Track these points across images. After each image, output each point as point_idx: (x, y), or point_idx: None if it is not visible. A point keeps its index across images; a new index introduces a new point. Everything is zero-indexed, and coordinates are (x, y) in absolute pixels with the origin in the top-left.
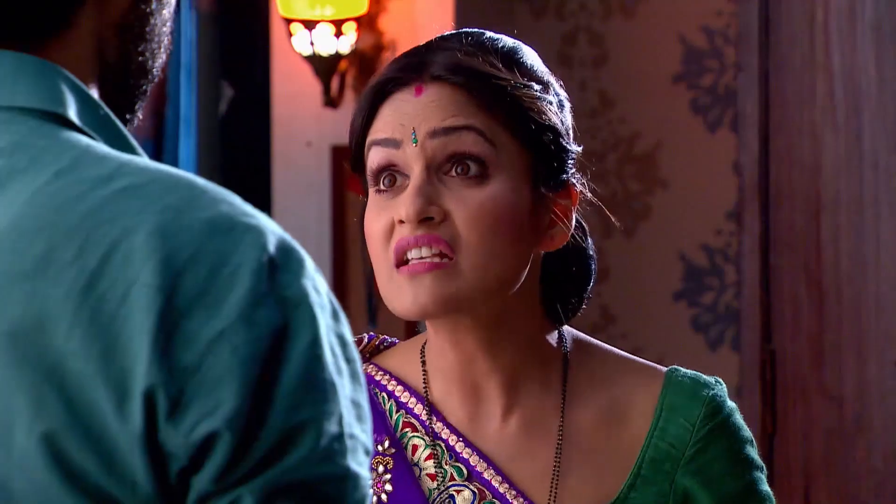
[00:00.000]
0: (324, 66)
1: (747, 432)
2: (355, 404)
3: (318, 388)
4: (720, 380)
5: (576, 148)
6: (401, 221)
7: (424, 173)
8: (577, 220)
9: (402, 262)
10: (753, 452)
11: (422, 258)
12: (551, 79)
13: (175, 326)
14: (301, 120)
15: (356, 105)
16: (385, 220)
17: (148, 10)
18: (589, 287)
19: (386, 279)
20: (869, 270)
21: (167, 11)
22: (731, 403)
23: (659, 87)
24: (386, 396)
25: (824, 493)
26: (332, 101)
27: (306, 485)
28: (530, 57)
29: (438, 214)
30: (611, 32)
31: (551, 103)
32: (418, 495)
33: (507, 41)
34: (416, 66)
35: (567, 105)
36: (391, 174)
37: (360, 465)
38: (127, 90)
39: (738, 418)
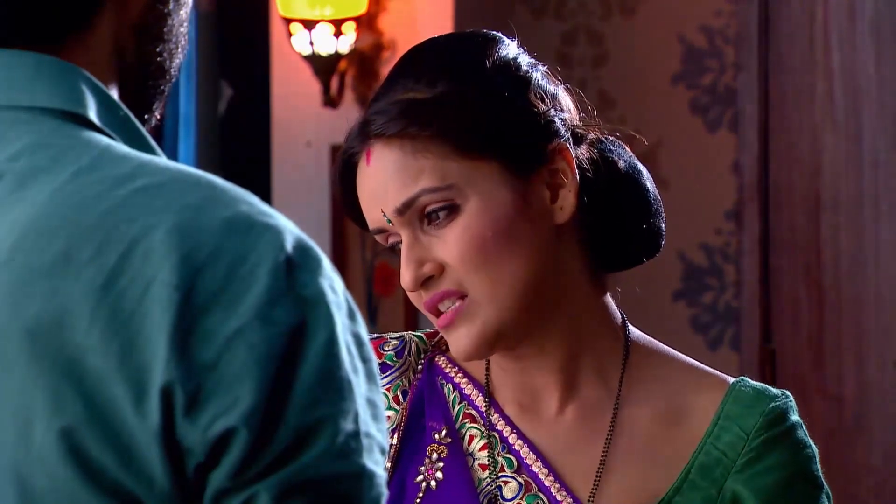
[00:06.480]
0: (323, 66)
1: (811, 450)
2: (371, 403)
3: (334, 387)
4: (788, 393)
5: (542, 108)
6: None
7: (410, 237)
8: (593, 161)
9: (438, 313)
10: (814, 471)
11: (448, 308)
12: (485, 58)
13: (193, 324)
14: (300, 120)
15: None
16: None
17: (165, 10)
18: (651, 206)
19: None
20: (869, 270)
21: (184, 12)
22: (794, 418)
23: (659, 86)
24: (451, 387)
25: None
26: (331, 101)
27: (322, 482)
28: (450, 54)
29: (435, 269)
30: (611, 32)
31: (488, 93)
32: (467, 484)
33: (435, 49)
34: (362, 131)
35: (516, 60)
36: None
37: (375, 463)
38: (145, 90)
39: (802, 434)
